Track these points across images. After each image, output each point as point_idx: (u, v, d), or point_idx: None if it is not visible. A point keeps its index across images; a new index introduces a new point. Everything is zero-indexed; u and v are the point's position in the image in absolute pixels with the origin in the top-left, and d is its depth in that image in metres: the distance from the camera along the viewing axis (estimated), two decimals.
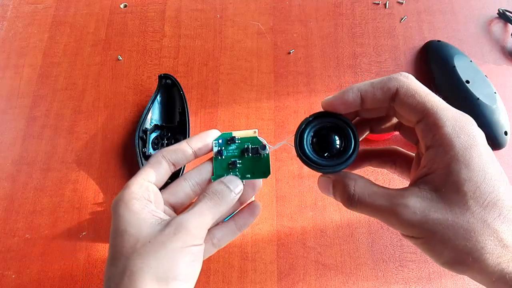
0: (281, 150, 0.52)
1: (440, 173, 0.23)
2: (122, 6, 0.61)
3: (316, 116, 0.29)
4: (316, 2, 0.61)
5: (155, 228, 0.27)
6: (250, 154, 0.33)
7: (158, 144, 0.51)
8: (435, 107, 0.24)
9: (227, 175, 0.32)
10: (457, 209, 0.22)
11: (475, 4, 0.60)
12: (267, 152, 0.33)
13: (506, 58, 0.57)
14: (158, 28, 0.59)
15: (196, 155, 0.32)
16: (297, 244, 0.47)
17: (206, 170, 0.33)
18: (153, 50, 0.58)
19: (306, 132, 0.29)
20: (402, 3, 0.61)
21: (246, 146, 0.33)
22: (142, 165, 0.48)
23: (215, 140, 0.33)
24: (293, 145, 0.29)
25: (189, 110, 0.52)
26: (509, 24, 0.59)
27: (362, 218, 0.48)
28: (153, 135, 0.51)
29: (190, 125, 0.51)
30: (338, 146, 0.28)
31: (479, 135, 0.23)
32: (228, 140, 0.33)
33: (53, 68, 0.57)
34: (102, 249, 0.47)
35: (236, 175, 0.32)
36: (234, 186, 0.30)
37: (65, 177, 0.51)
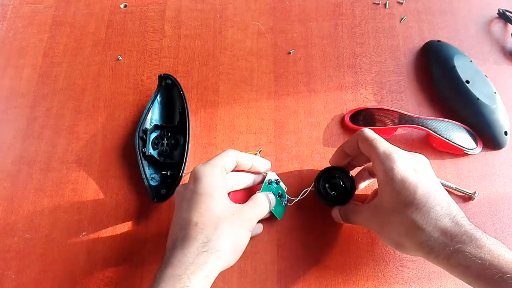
0: (281, 150, 0.52)
1: (379, 193, 0.39)
2: (122, 6, 0.61)
3: (326, 169, 0.47)
4: (316, 2, 0.61)
5: (228, 206, 0.38)
6: (279, 199, 0.47)
7: (158, 144, 0.51)
8: (374, 146, 0.38)
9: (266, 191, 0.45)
10: (390, 211, 0.37)
11: (475, 4, 0.61)
12: (286, 203, 0.48)
13: (506, 58, 0.57)
14: (158, 28, 0.59)
15: (250, 171, 0.44)
16: (297, 244, 0.47)
17: (257, 180, 0.46)
18: (153, 50, 0.58)
19: (321, 180, 0.46)
20: (402, 3, 0.61)
21: (280, 191, 0.47)
22: (142, 165, 0.48)
23: (270, 172, 0.47)
24: (313, 188, 0.47)
25: (189, 110, 0.52)
26: (509, 24, 0.59)
27: None
28: (153, 135, 0.51)
29: (190, 125, 0.51)
30: (342, 187, 0.46)
31: (398, 157, 0.37)
32: (276, 180, 0.48)
33: (53, 68, 0.57)
34: (102, 249, 0.47)
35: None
36: (271, 202, 0.43)
37: (65, 177, 0.51)
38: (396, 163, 0.36)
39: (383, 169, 0.37)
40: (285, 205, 0.48)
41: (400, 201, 0.35)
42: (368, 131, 0.39)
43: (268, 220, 0.47)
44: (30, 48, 0.59)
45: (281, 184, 0.48)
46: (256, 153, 0.49)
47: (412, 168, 0.36)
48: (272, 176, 0.47)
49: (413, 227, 0.35)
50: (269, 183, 0.47)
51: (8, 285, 0.46)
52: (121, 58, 0.57)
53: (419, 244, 0.35)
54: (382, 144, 0.38)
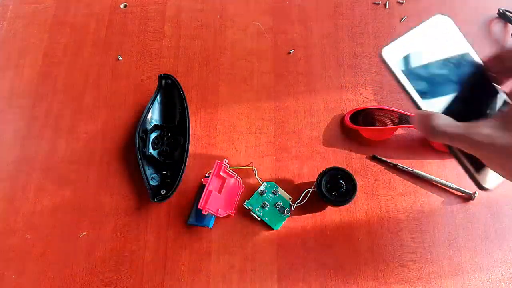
0: (281, 150, 0.52)
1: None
2: (122, 6, 0.61)
3: (327, 170, 0.46)
4: (316, 2, 0.61)
5: None
6: (277, 209, 0.48)
7: (158, 144, 0.51)
8: None
9: (254, 207, 0.47)
10: None
11: (475, 4, 0.60)
12: (288, 215, 0.47)
13: None
14: (158, 28, 0.59)
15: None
16: (297, 244, 0.47)
17: None
18: (153, 50, 0.58)
19: (322, 180, 0.46)
20: (402, 3, 0.61)
21: (279, 202, 0.48)
22: (142, 165, 0.48)
23: (267, 182, 0.48)
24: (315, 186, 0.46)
25: (189, 110, 0.52)
26: (509, 24, 0.59)
27: (362, 218, 0.48)
28: (153, 135, 0.51)
29: (190, 125, 0.51)
30: (343, 189, 0.46)
31: None
32: (273, 191, 0.48)
33: (53, 68, 0.57)
34: (102, 249, 0.47)
35: (257, 212, 0.47)
36: None
37: (65, 177, 0.51)
38: None
39: None
40: (287, 216, 0.48)
41: None
42: None
43: (267, 225, 0.47)
44: (30, 48, 0.59)
45: (283, 195, 0.48)
46: (252, 167, 0.50)
47: None
48: (267, 186, 0.48)
49: None
50: (260, 194, 0.48)
51: (8, 285, 0.46)
52: (121, 58, 0.57)
53: None
54: None
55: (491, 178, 0.34)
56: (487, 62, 0.35)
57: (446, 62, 0.36)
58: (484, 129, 0.28)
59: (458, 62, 0.36)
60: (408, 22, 0.59)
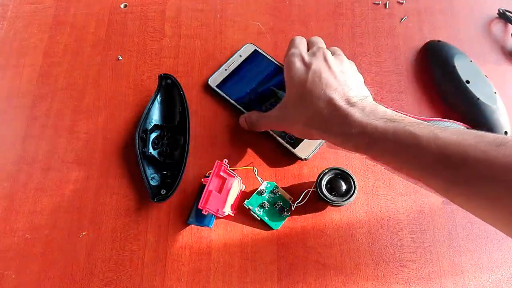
0: (281, 150, 0.52)
1: (285, 93, 0.44)
2: (122, 6, 0.61)
3: (327, 170, 0.47)
4: (316, 2, 0.61)
5: None
6: (277, 209, 0.48)
7: (158, 144, 0.51)
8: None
9: (254, 207, 0.48)
10: (288, 109, 0.43)
11: (475, 4, 0.61)
12: (288, 215, 0.48)
13: (506, 58, 0.57)
14: (158, 28, 0.59)
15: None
16: (297, 244, 0.47)
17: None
18: (153, 50, 0.58)
19: (322, 180, 0.46)
20: (402, 3, 0.61)
21: (279, 202, 0.48)
22: (142, 165, 0.49)
23: (267, 182, 0.49)
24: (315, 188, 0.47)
25: (189, 110, 0.52)
26: (509, 24, 0.59)
27: (362, 218, 0.48)
28: (153, 135, 0.51)
29: (190, 125, 0.51)
30: (343, 189, 0.46)
31: (291, 66, 0.43)
32: (273, 190, 0.49)
33: (53, 68, 0.57)
34: (102, 249, 0.47)
35: (257, 211, 0.48)
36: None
37: (65, 177, 0.51)
38: (292, 61, 0.43)
39: (285, 69, 0.44)
40: (287, 216, 0.48)
41: (294, 96, 0.42)
42: (294, 39, 0.48)
43: (267, 225, 0.47)
44: (30, 48, 0.59)
45: (283, 194, 0.48)
46: (252, 167, 0.50)
47: (305, 65, 0.42)
48: (267, 185, 0.48)
49: (305, 118, 0.41)
50: (260, 193, 0.48)
51: (8, 285, 0.46)
52: (121, 58, 0.57)
53: (314, 130, 0.41)
54: (293, 46, 0.46)
55: (304, 150, 0.49)
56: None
57: (254, 76, 0.54)
58: (274, 112, 0.45)
59: (264, 74, 0.54)
60: (408, 22, 0.60)
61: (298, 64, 0.43)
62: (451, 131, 0.33)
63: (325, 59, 0.42)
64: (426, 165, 0.33)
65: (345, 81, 0.41)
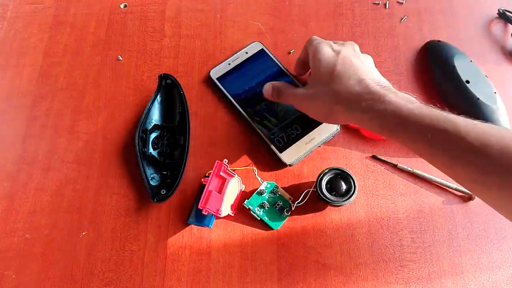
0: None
1: (311, 78, 0.45)
2: (122, 6, 0.61)
3: (327, 170, 0.47)
4: (316, 2, 0.61)
5: None
6: (277, 209, 0.48)
7: (158, 144, 0.51)
8: (311, 40, 0.47)
9: (254, 207, 0.48)
10: (316, 86, 0.44)
11: (475, 4, 0.60)
12: (287, 215, 0.48)
13: (506, 58, 0.57)
14: (158, 28, 0.59)
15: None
16: (297, 244, 0.47)
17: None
18: (153, 50, 0.58)
19: (322, 180, 0.47)
20: (402, 3, 0.61)
21: (279, 202, 0.48)
22: (142, 165, 0.49)
23: (267, 182, 0.49)
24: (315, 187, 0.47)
25: (189, 110, 0.52)
26: (509, 24, 0.59)
27: (362, 218, 0.48)
28: (153, 135, 0.51)
29: (190, 125, 0.51)
30: (343, 189, 0.46)
31: (325, 44, 0.45)
32: (273, 190, 0.49)
33: (53, 68, 0.57)
34: (102, 249, 0.47)
35: (257, 211, 0.48)
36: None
37: (65, 177, 0.51)
38: (321, 47, 0.44)
39: (311, 55, 0.45)
40: (286, 216, 0.48)
41: (324, 76, 0.42)
42: (314, 36, 0.47)
43: (267, 225, 0.47)
44: (30, 48, 0.59)
45: (283, 194, 0.49)
46: (252, 167, 0.50)
47: (334, 51, 0.43)
48: (267, 185, 0.48)
49: (334, 94, 0.41)
50: (260, 193, 0.48)
51: (8, 285, 0.46)
52: (121, 58, 0.57)
53: (340, 106, 0.41)
54: (317, 39, 0.46)
55: (290, 156, 0.49)
56: (295, 68, 0.53)
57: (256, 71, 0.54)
58: (301, 89, 0.46)
59: (266, 73, 0.54)
60: (408, 22, 0.60)
61: (326, 48, 0.44)
62: (485, 123, 0.34)
63: (354, 49, 0.44)
64: (460, 152, 0.33)
65: (374, 70, 0.43)
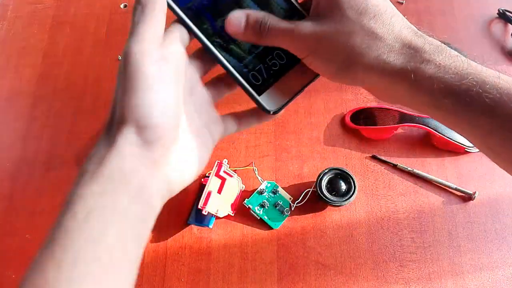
0: (281, 150, 0.52)
1: (323, 2, 0.29)
2: (122, 6, 0.61)
3: (327, 170, 0.47)
4: None
5: None
6: (277, 208, 0.48)
7: None
8: None
9: (254, 206, 0.48)
10: (339, 18, 0.28)
11: (475, 4, 0.60)
12: (287, 215, 0.48)
13: (506, 58, 0.57)
14: None
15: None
16: (297, 244, 0.47)
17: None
18: None
19: (322, 180, 0.47)
20: (402, 3, 0.61)
21: (279, 201, 0.48)
22: None
23: (267, 182, 0.48)
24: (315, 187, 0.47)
25: None
26: (509, 24, 0.59)
27: (362, 218, 0.48)
28: None
29: None
30: (343, 189, 0.47)
31: None
32: (273, 190, 0.48)
33: (53, 68, 0.57)
34: None
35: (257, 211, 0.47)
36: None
37: (65, 177, 0.51)
38: None
39: None
40: (286, 215, 0.48)
41: (353, 8, 0.28)
42: None
43: (267, 225, 0.47)
44: (30, 48, 0.59)
45: (283, 194, 0.48)
46: (252, 167, 0.50)
47: None
48: (268, 185, 0.48)
49: (370, 37, 0.28)
50: (260, 193, 0.48)
51: (8, 285, 0.46)
52: (121, 58, 0.57)
53: (374, 58, 0.28)
54: None
55: (273, 99, 0.33)
56: None
57: None
58: (307, 25, 0.29)
59: None
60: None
61: None
62: None
63: None
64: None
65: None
